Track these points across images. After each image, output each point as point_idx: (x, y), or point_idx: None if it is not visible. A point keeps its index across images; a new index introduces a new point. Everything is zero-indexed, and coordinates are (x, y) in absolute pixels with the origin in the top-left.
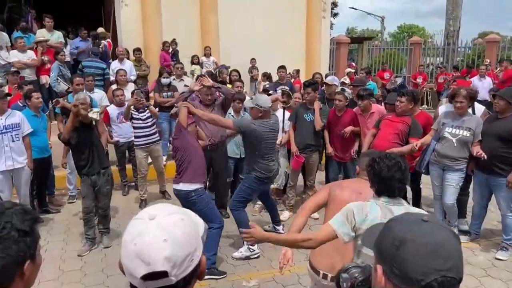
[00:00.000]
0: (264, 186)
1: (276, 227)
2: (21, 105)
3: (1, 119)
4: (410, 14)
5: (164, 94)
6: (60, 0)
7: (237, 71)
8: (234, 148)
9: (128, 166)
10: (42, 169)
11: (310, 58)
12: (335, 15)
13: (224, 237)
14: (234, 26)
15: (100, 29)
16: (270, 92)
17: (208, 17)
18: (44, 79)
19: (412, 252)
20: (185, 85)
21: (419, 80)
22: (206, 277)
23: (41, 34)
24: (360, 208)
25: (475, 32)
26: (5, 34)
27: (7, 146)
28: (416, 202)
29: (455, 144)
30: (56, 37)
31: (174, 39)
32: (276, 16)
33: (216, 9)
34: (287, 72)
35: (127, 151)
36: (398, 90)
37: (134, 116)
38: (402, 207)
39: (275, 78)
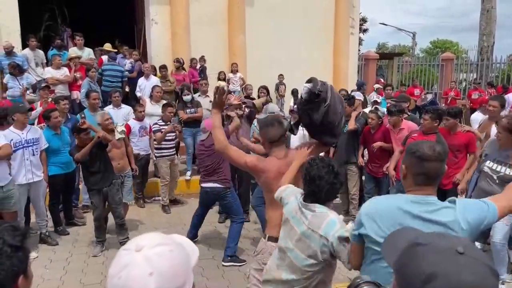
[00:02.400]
0: None
1: None
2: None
3: (23, 133)
4: (444, 30)
5: (188, 110)
6: (94, 19)
7: (265, 88)
8: None
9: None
10: (67, 184)
11: (338, 74)
12: (364, 31)
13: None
14: (261, 43)
15: (107, 45)
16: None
17: (235, 35)
18: (76, 94)
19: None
20: (210, 101)
21: (451, 94)
22: (228, 264)
23: (73, 51)
24: (292, 191)
25: None
26: (41, 52)
27: (27, 159)
28: None
29: (497, 181)
30: (87, 53)
31: (202, 56)
32: (303, 33)
33: (244, 27)
34: None
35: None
36: (428, 106)
37: (162, 130)
38: (310, 213)
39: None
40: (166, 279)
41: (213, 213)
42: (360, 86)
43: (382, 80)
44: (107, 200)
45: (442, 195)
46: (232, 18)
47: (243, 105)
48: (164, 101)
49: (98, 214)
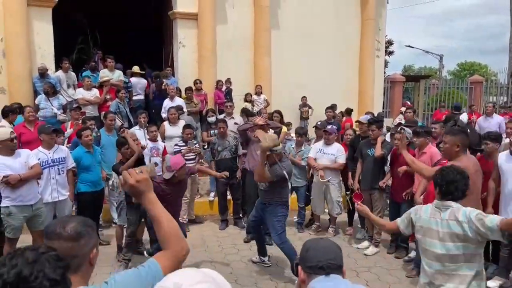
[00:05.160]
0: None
1: (263, 258)
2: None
3: (49, 153)
4: (473, 52)
5: (212, 132)
6: (124, 42)
7: (279, 112)
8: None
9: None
10: (94, 202)
11: (363, 97)
12: (390, 53)
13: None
14: (287, 65)
15: (135, 68)
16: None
17: (261, 58)
18: None
19: (313, 253)
20: (235, 123)
21: (474, 119)
22: None
23: (104, 73)
24: (416, 210)
25: None
26: (73, 74)
27: (53, 178)
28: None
29: None
30: (117, 75)
31: (228, 78)
32: (328, 55)
33: (270, 50)
34: (337, 112)
35: None
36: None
37: (182, 151)
38: (449, 209)
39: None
40: None
41: (236, 235)
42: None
43: (409, 103)
44: (143, 217)
45: None
46: (259, 42)
47: (267, 126)
48: (183, 121)
49: (132, 231)
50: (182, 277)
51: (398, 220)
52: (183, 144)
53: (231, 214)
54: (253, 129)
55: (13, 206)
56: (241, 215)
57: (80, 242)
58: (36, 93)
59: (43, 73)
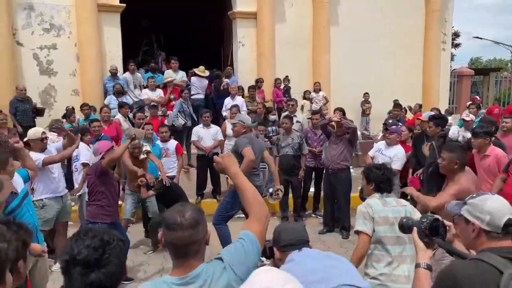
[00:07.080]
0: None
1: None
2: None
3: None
4: None
5: (269, 129)
6: (185, 44)
7: (341, 109)
8: None
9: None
10: None
11: (428, 92)
12: (456, 45)
13: None
14: (346, 62)
15: (201, 68)
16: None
17: (320, 55)
18: (169, 114)
19: (284, 234)
20: (297, 121)
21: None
22: None
23: (168, 74)
24: (366, 205)
25: None
26: (139, 75)
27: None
28: None
29: None
30: (180, 76)
31: (286, 76)
32: (390, 50)
33: (329, 47)
34: (402, 108)
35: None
36: None
37: None
38: (390, 198)
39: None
40: None
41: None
42: None
43: (478, 98)
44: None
45: None
46: (317, 38)
47: (342, 125)
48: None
49: (154, 222)
50: (270, 280)
51: (363, 228)
52: None
53: (291, 212)
54: (326, 125)
55: (46, 198)
56: (300, 213)
57: (199, 228)
58: (105, 94)
59: (114, 73)
